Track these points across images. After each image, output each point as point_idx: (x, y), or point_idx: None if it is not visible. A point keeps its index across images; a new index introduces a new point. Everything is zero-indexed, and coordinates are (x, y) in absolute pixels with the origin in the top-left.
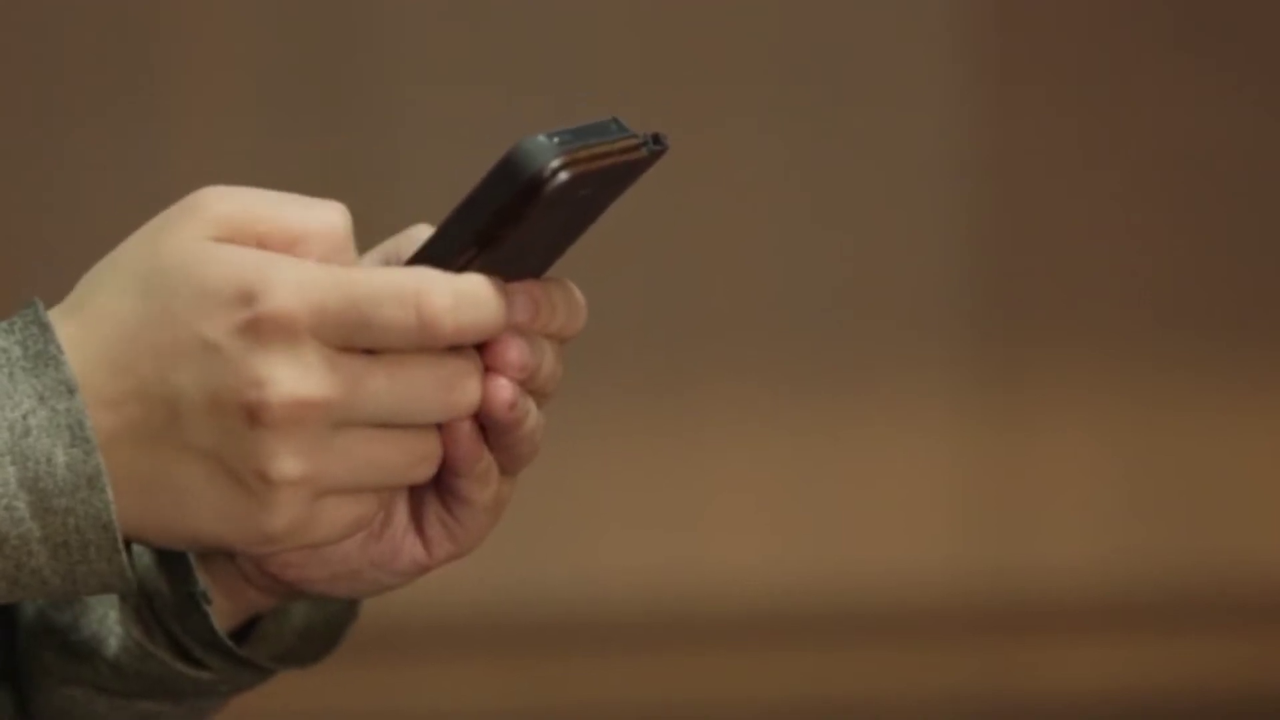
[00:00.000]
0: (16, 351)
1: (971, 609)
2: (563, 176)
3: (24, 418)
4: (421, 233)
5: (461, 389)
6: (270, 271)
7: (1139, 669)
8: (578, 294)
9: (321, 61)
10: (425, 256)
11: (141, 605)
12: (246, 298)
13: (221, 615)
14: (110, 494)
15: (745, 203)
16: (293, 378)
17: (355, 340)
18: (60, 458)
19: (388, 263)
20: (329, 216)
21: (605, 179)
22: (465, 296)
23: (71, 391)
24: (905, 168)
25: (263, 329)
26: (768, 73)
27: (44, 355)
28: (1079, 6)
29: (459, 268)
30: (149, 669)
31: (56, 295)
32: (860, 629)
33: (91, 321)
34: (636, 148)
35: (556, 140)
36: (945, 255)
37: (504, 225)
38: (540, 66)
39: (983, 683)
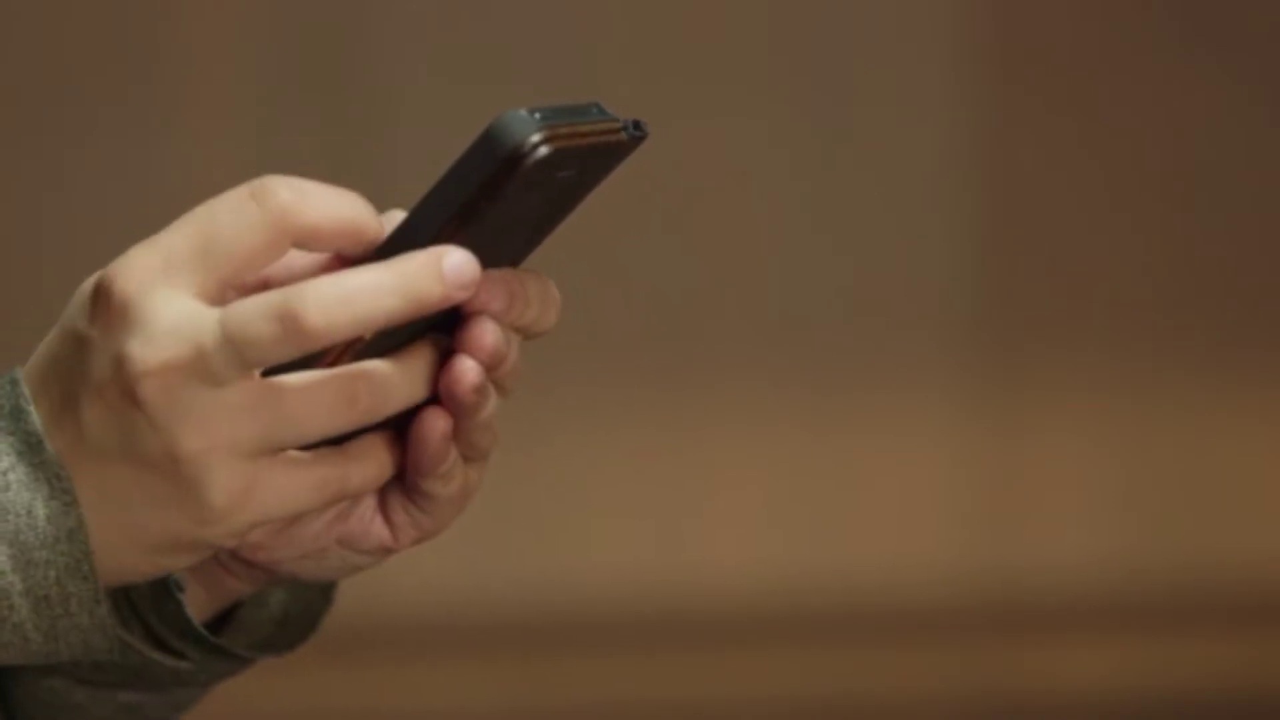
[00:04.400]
0: None
1: (971, 609)
2: (543, 151)
3: (4, 473)
4: (398, 217)
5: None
6: (116, 263)
7: (1138, 669)
8: (553, 289)
9: (321, 60)
10: (402, 235)
11: (118, 596)
12: (99, 290)
13: (199, 604)
14: (90, 545)
15: (746, 202)
16: (144, 347)
17: (205, 286)
18: (40, 511)
19: None
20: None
21: (585, 160)
22: (334, 295)
23: (41, 442)
24: (905, 168)
25: (112, 313)
26: (768, 73)
27: (16, 410)
28: (1079, 7)
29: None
30: (127, 659)
31: (57, 294)
32: (860, 629)
33: (30, 365)
34: (617, 130)
35: (538, 115)
36: (945, 256)
37: (483, 200)
38: (540, 66)
39: (982, 683)
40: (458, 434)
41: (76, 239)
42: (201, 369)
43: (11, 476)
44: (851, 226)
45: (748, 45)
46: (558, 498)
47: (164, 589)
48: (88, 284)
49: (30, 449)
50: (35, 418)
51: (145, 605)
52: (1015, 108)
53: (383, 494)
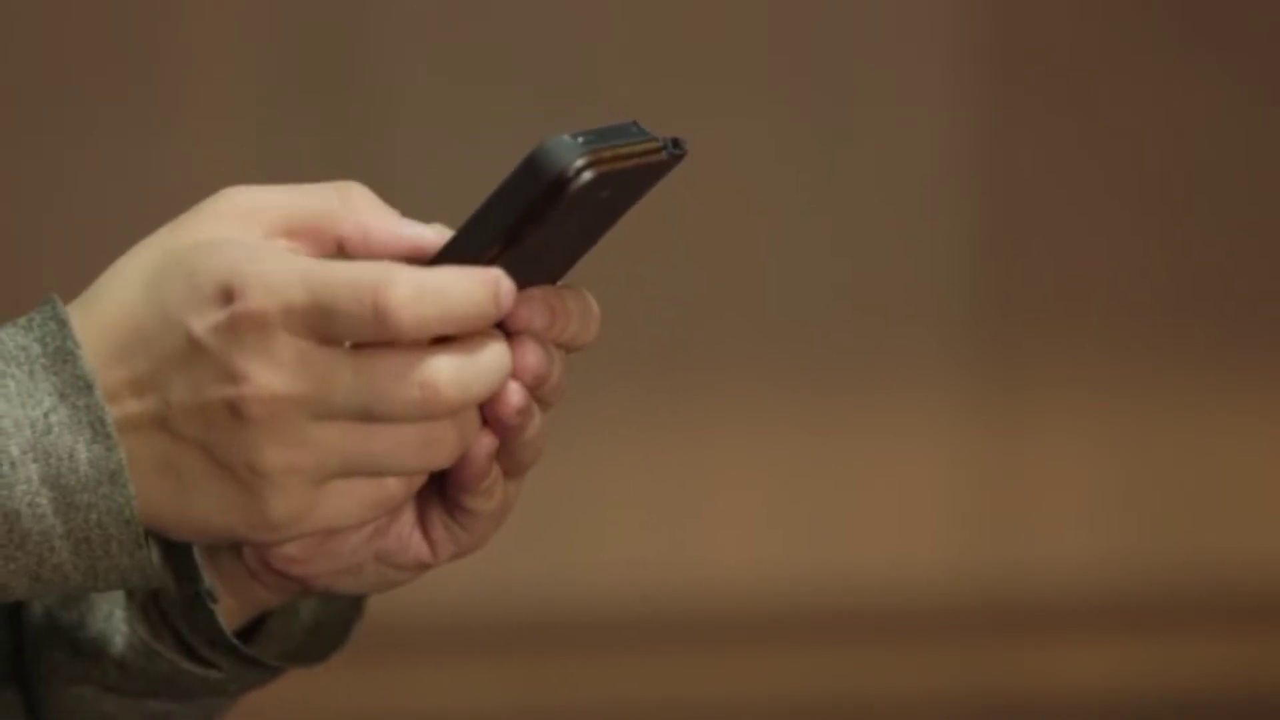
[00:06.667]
0: (36, 349)
1: (971, 609)
2: (587, 176)
3: (45, 415)
4: (441, 234)
5: (433, 387)
6: (248, 268)
7: (1138, 669)
8: (593, 304)
9: (321, 60)
10: (448, 256)
11: (148, 604)
12: (226, 295)
13: (229, 614)
14: (132, 489)
15: (746, 202)
16: (267, 374)
17: (324, 333)
18: (83, 454)
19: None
20: (336, 196)
21: (626, 181)
22: (428, 289)
23: (89, 387)
24: (905, 167)
25: (239, 327)
26: (768, 73)
27: (62, 351)
28: (1079, 7)
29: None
30: (156, 668)
31: (58, 294)
32: (860, 629)
33: (99, 315)
34: (657, 150)
35: (580, 140)
36: (945, 255)
37: (527, 224)
38: (540, 66)
39: (982, 683)
40: (502, 451)
41: (76, 239)
42: (320, 406)
43: (53, 419)
44: (851, 227)
45: (748, 45)
46: (556, 498)
47: (196, 598)
48: (207, 282)
49: (76, 391)
50: (85, 362)
51: (176, 614)
52: (1015, 108)
53: (422, 510)
